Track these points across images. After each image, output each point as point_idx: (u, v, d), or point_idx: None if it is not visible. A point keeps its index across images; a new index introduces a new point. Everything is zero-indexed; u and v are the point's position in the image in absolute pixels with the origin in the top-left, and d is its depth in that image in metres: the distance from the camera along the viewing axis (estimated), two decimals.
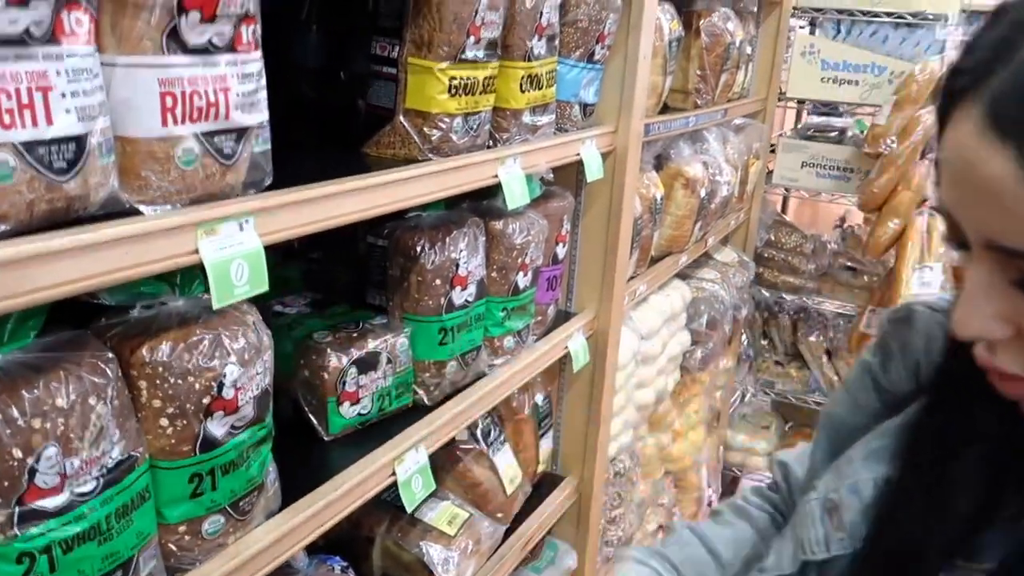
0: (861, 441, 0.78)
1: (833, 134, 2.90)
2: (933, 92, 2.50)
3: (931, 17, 2.57)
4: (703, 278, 2.44)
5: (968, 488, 0.67)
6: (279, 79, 1.30)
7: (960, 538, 0.67)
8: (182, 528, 0.81)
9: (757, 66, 2.62)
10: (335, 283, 1.37)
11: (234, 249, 0.76)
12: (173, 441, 0.78)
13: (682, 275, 2.36)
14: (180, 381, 0.77)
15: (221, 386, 0.80)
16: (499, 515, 1.47)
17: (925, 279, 2.51)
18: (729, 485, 3.37)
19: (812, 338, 2.97)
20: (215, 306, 0.75)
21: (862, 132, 2.73)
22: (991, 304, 0.55)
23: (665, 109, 2.00)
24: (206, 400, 0.79)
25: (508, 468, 1.49)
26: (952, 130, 0.54)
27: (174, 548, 0.81)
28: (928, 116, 2.48)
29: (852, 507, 0.73)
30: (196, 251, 0.73)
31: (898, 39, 2.64)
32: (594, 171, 1.47)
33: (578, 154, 1.43)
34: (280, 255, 1.41)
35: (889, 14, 2.61)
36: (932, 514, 0.68)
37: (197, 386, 0.78)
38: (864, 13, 2.64)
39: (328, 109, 1.31)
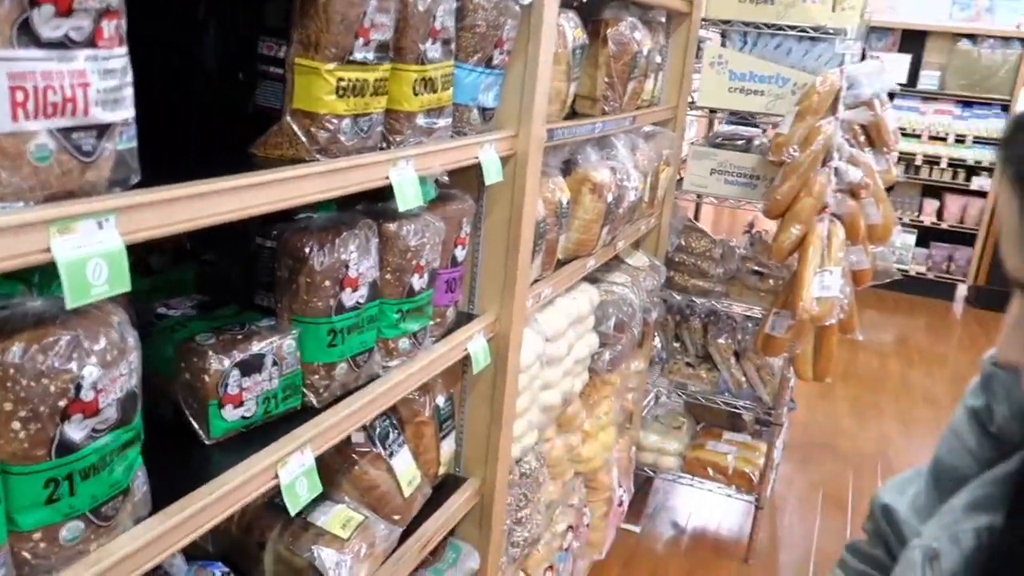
0: (965, 489, 0.78)
1: (740, 142, 2.99)
2: (833, 103, 2.62)
3: (831, 32, 2.68)
4: (614, 282, 2.49)
5: None
6: (176, 80, 1.28)
7: None
8: (37, 535, 0.79)
9: (668, 75, 2.69)
10: (229, 285, 1.35)
11: (92, 248, 0.75)
12: (26, 445, 0.76)
13: (593, 279, 2.40)
14: (33, 383, 0.75)
15: (79, 388, 0.78)
16: (396, 517, 1.47)
17: (825, 283, 2.61)
18: (643, 485, 3.44)
19: (721, 340, 3.05)
20: (68, 306, 0.73)
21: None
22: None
23: (574, 115, 2.04)
24: (62, 403, 0.77)
25: (406, 470, 1.49)
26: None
27: (28, 556, 0.79)
28: (828, 126, 2.59)
29: (952, 557, 0.74)
30: (48, 249, 0.71)
31: (801, 52, 2.74)
32: (493, 175, 1.48)
33: (476, 157, 1.44)
34: (171, 257, 1.38)
35: (792, 28, 2.71)
36: None
37: (52, 388, 0.76)
38: (769, 26, 2.73)
39: (222, 110, 1.29)
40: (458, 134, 1.43)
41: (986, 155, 6.63)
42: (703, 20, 2.78)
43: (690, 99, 2.91)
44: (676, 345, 3.23)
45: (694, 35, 2.74)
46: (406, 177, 1.22)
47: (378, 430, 1.45)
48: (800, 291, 2.57)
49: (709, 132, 3.68)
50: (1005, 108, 6.54)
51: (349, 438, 1.39)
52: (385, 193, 1.24)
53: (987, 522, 0.74)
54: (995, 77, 6.52)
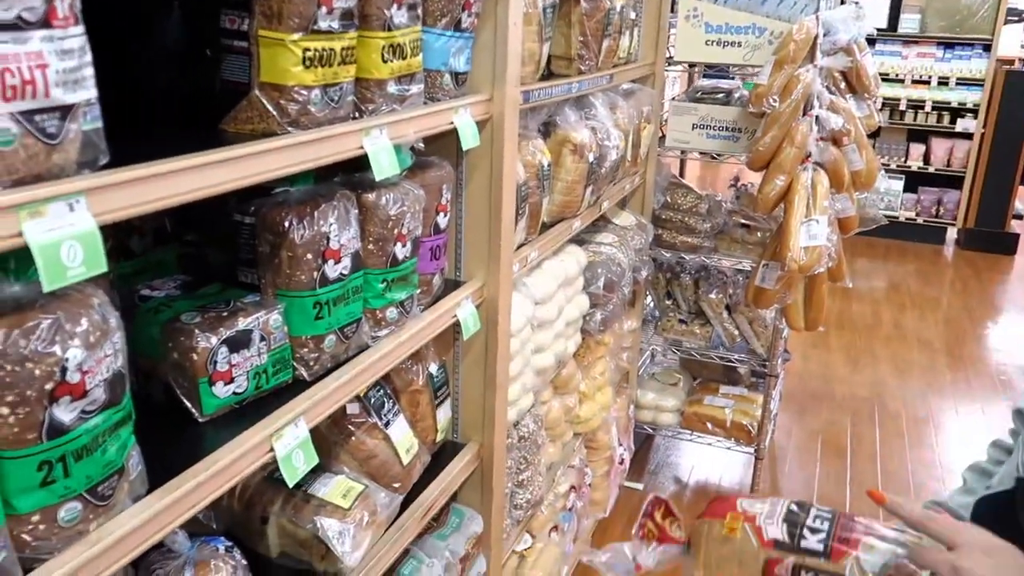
0: None
1: (720, 95, 2.98)
2: (811, 50, 2.60)
3: None
4: (601, 242, 2.49)
5: None
6: (143, 59, 1.27)
7: None
8: (36, 518, 0.80)
9: (644, 32, 2.67)
10: (211, 265, 1.35)
11: (64, 230, 0.75)
12: (16, 429, 0.77)
13: (580, 240, 2.40)
14: (18, 368, 0.75)
15: (64, 370, 0.78)
16: (396, 485, 1.48)
17: (812, 232, 2.61)
18: (644, 442, 3.48)
19: (712, 295, 3.06)
20: (45, 289, 0.73)
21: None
22: None
23: (551, 76, 2.03)
24: (49, 385, 0.77)
25: (403, 438, 1.50)
26: None
27: (28, 539, 0.80)
28: (807, 74, 2.57)
29: None
30: (20, 234, 0.71)
31: (775, 0, 2.72)
32: (470, 139, 1.48)
33: (451, 123, 1.43)
34: (152, 240, 1.38)
35: None
36: None
37: (37, 372, 0.76)
38: None
39: (190, 87, 1.28)
40: (431, 100, 1.42)
41: (970, 96, 6.61)
42: None
43: (668, 55, 2.89)
44: (668, 302, 3.24)
45: None
46: (380, 146, 1.22)
47: (372, 400, 1.46)
48: (787, 241, 2.58)
49: (690, 87, 3.66)
50: (987, 48, 6.51)
51: (344, 409, 1.40)
52: (362, 163, 1.23)
53: None
54: (975, 17, 6.49)
